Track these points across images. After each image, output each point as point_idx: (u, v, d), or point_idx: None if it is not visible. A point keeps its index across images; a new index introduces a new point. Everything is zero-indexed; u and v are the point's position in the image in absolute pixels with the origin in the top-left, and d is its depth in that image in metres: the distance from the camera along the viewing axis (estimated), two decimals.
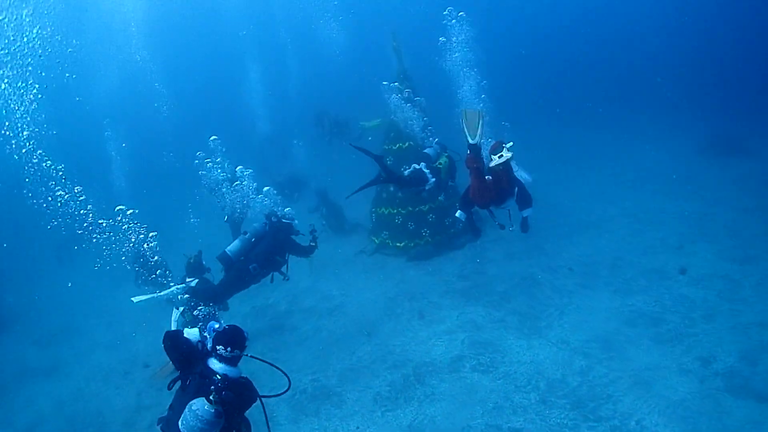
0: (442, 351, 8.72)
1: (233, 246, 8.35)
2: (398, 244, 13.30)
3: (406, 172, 9.43)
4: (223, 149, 10.70)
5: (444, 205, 13.02)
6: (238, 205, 10.05)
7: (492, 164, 7.52)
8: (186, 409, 3.96)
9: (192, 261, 9.36)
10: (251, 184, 9.74)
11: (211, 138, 10.80)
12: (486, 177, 7.69)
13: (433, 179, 9.34)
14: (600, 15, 42.21)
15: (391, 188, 13.21)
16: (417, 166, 9.47)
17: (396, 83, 13.54)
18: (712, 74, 28.90)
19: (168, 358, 7.84)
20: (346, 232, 16.04)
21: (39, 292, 17.33)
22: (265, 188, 9.36)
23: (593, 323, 8.80)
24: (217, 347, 4.27)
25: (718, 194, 13.52)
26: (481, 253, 12.51)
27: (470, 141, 7.54)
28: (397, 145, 13.51)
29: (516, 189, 7.97)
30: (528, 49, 39.22)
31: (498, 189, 7.79)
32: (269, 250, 8.41)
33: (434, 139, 10.86)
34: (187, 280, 9.14)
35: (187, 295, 8.39)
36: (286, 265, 8.65)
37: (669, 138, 19.89)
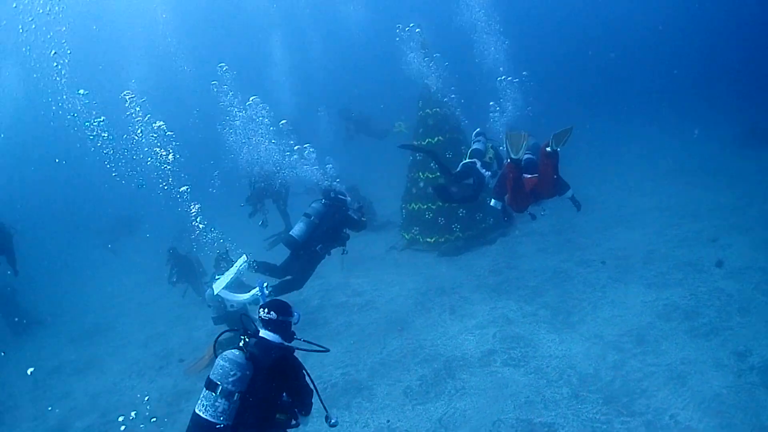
0: (473, 345, 8.73)
1: (298, 229, 8.46)
2: (429, 240, 13.34)
3: (458, 169, 9.57)
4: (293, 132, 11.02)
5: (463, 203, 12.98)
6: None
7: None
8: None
9: (221, 255, 9.55)
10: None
11: (281, 122, 11.11)
12: (529, 176, 8.17)
13: (488, 173, 9.42)
14: (630, 6, 41.50)
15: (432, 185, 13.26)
16: (469, 162, 9.54)
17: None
18: (741, 65, 28.23)
19: (204, 353, 8.07)
20: (376, 228, 16.14)
21: (76, 291, 17.88)
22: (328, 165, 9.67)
23: (626, 317, 8.71)
24: (260, 312, 4.47)
25: (753, 185, 13.26)
26: (513, 248, 12.48)
27: (513, 156, 7.87)
28: (427, 141, 13.53)
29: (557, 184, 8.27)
30: (558, 43, 38.88)
31: (538, 190, 8.20)
32: (332, 228, 8.56)
33: (475, 132, 10.86)
34: (217, 277, 9.33)
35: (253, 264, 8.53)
36: (347, 240, 8.85)
37: (701, 130, 19.50)
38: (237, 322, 9.32)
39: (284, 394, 4.39)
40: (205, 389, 4.12)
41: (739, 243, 10.51)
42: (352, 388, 8.39)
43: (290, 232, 8.53)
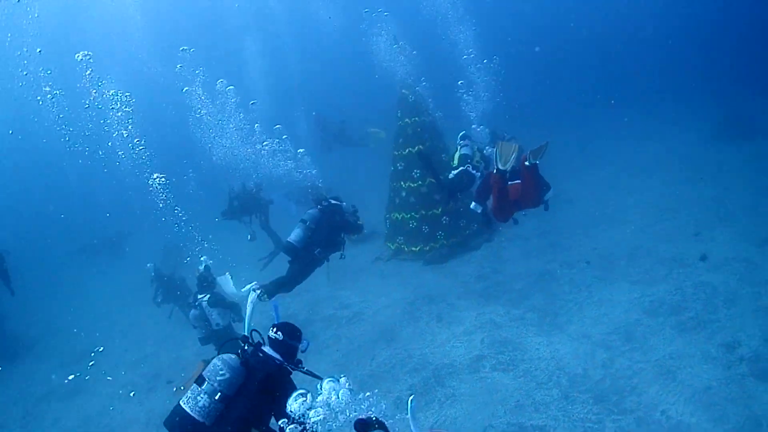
0: (461, 352, 8.66)
1: (295, 235, 8.42)
2: (414, 249, 13.28)
3: (450, 176, 9.78)
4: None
5: (457, 207, 12.98)
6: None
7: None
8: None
9: (201, 274, 9.45)
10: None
11: (276, 126, 11.06)
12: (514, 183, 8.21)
13: (478, 173, 9.59)
14: (607, 3, 42.00)
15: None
16: (460, 171, 9.71)
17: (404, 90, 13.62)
18: (718, 57, 28.58)
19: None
20: (361, 239, 16.04)
21: (65, 312, 17.66)
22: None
23: (613, 315, 8.69)
24: (270, 331, 4.45)
25: (734, 177, 13.33)
26: (498, 253, 12.46)
27: (500, 166, 7.96)
28: (407, 150, 13.50)
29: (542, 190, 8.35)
30: (537, 43, 39.15)
31: (520, 199, 8.26)
32: (330, 233, 8.56)
33: (460, 135, 10.95)
34: (199, 296, 9.21)
35: (259, 290, 8.40)
36: (344, 244, 8.85)
37: (680, 125, 19.68)
38: (222, 340, 9.32)
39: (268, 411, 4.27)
40: (194, 383, 4.09)
41: (722, 235, 10.55)
42: None
43: (288, 239, 8.48)
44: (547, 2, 43.37)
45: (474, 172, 9.61)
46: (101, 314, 16.78)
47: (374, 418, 3.22)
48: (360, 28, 13.39)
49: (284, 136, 10.49)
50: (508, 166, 8.02)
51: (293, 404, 3.74)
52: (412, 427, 3.34)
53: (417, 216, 13.26)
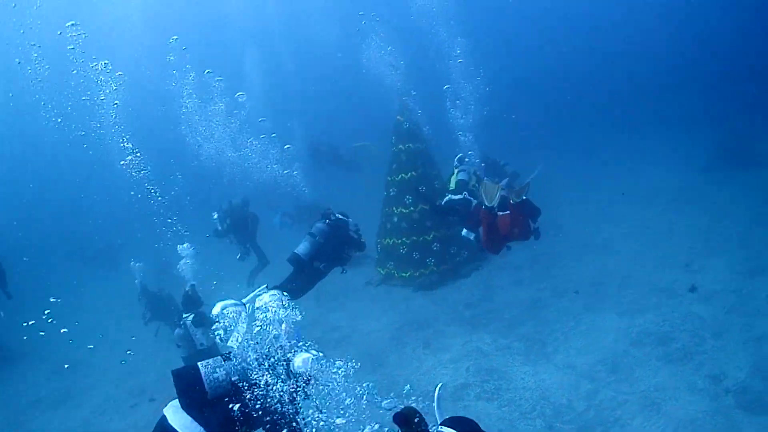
0: (446, 379, 8.55)
1: (302, 247, 8.35)
2: (404, 275, 13.20)
3: (446, 200, 10.00)
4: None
5: (448, 234, 12.95)
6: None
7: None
8: None
9: (188, 293, 9.38)
10: None
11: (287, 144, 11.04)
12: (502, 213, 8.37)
13: (475, 201, 9.69)
14: (600, 32, 42.47)
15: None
16: (453, 197, 9.93)
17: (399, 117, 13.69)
18: (712, 87, 28.79)
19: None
20: (353, 263, 15.94)
21: (54, 323, 17.50)
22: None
23: (600, 346, 8.60)
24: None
25: (726, 207, 13.29)
26: (488, 280, 12.38)
27: (487, 204, 8.20)
28: (399, 176, 13.51)
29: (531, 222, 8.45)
30: (530, 72, 39.55)
31: (512, 236, 8.42)
32: (336, 248, 8.50)
33: (457, 158, 11.09)
34: (184, 316, 9.13)
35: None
36: (349, 260, 8.81)
37: (674, 154, 19.73)
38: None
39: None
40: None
41: (713, 266, 10.50)
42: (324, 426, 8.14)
43: (295, 250, 8.39)
44: (544, 30, 43.88)
45: (471, 198, 9.73)
46: (90, 326, 16.64)
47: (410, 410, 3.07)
48: (355, 41, 13.49)
49: (273, 134, 10.42)
50: (495, 203, 8.19)
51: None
52: (436, 415, 3.32)
53: (408, 242, 13.21)
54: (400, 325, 11.03)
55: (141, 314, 13.59)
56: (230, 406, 3.73)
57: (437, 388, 3.38)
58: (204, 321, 9.09)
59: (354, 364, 3.85)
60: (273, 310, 4.41)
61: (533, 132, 28.95)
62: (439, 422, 3.10)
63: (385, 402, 3.86)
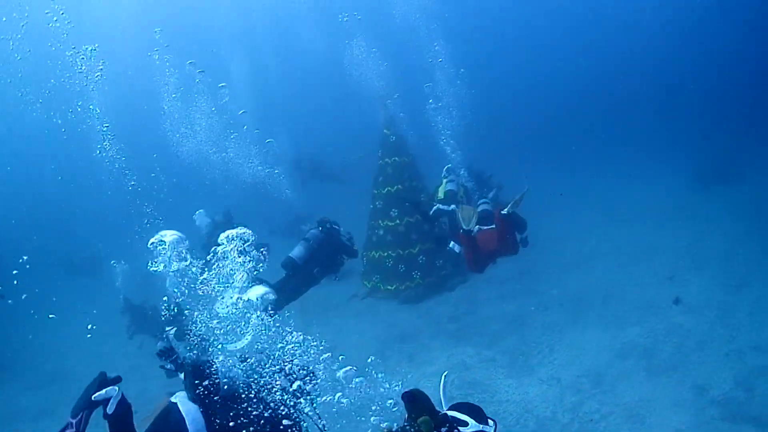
0: (430, 392, 8.41)
1: (297, 251, 8.32)
2: (389, 287, 13.13)
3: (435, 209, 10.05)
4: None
5: (433, 247, 12.91)
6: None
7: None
8: None
9: (171, 315, 9.22)
10: None
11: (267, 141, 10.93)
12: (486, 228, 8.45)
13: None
14: (591, 49, 42.97)
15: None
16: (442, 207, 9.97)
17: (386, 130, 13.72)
18: (697, 105, 29.17)
19: (156, 405, 7.65)
20: (338, 278, 15.85)
21: (35, 337, 17.26)
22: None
23: (584, 358, 8.57)
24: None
25: (710, 223, 13.35)
26: (472, 294, 12.34)
27: (464, 227, 8.38)
28: (386, 189, 13.50)
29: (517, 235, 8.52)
30: (517, 88, 39.90)
31: (497, 253, 8.54)
32: (330, 254, 8.54)
33: (445, 168, 11.21)
34: (167, 329, 8.98)
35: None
36: (342, 266, 8.90)
37: (659, 171, 19.86)
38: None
39: None
40: None
41: (696, 280, 10.53)
42: None
43: (290, 254, 8.36)
44: (535, 46, 44.36)
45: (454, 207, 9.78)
46: (72, 340, 16.42)
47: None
48: (339, 44, 13.51)
49: (256, 130, 10.33)
50: (472, 226, 8.36)
51: None
52: (442, 401, 3.36)
53: (394, 255, 13.16)
54: (384, 338, 10.95)
55: (125, 328, 13.39)
56: (236, 405, 3.82)
57: (443, 376, 3.47)
58: (187, 335, 8.95)
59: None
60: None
61: (521, 144, 29.16)
62: (445, 407, 3.17)
63: (342, 371, 4.10)
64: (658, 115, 29.58)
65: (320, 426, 4.15)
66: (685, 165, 19.17)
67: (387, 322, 11.79)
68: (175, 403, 3.92)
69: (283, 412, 3.90)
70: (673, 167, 19.76)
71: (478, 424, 2.96)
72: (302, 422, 4.02)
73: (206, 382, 3.86)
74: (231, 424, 3.71)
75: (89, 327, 13.73)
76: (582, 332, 9.45)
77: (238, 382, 3.92)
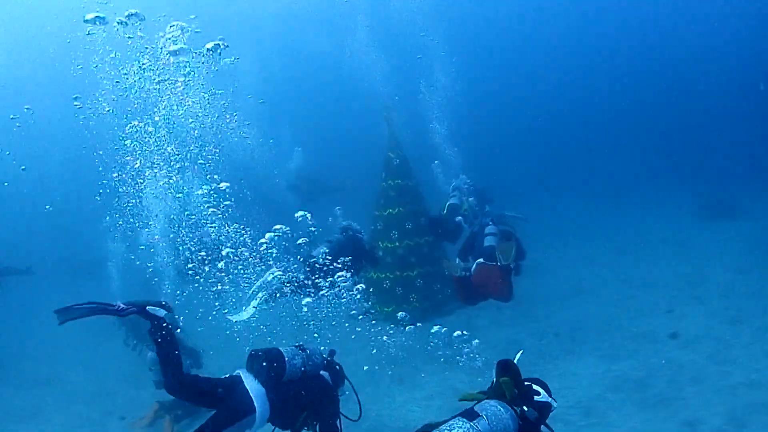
0: (417, 416, 8.40)
1: (320, 250, 8.67)
2: (386, 309, 13.05)
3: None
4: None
5: (432, 271, 12.87)
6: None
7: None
8: None
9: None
10: None
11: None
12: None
13: (466, 226, 10.69)
14: (594, 77, 43.16)
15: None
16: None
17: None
18: (701, 139, 29.14)
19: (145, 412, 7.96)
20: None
21: (31, 336, 17.29)
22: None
23: (576, 389, 8.44)
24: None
25: (711, 256, 13.28)
26: (469, 320, 12.26)
27: (502, 261, 8.81)
28: (387, 211, 13.49)
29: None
30: (520, 118, 40.10)
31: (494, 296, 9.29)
32: (355, 257, 8.83)
33: (452, 186, 11.76)
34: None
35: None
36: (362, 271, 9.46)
37: (661, 204, 19.82)
38: None
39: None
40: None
41: (694, 313, 10.43)
42: None
43: (311, 252, 8.66)
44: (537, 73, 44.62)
45: (464, 223, 10.58)
46: (66, 343, 16.39)
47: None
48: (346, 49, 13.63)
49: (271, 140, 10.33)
50: (510, 261, 8.76)
51: None
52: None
53: (392, 276, 13.11)
54: (377, 359, 10.84)
55: (123, 340, 13.31)
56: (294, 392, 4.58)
57: (519, 353, 3.98)
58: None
59: None
60: None
61: (524, 170, 29.21)
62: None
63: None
64: (663, 146, 29.58)
65: (358, 398, 5.42)
66: (688, 197, 19.13)
67: (381, 344, 11.68)
68: (239, 376, 4.46)
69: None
70: (676, 199, 19.72)
71: (548, 396, 3.66)
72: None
73: (274, 366, 4.45)
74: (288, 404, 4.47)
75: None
76: (576, 362, 9.34)
77: (296, 369, 4.60)
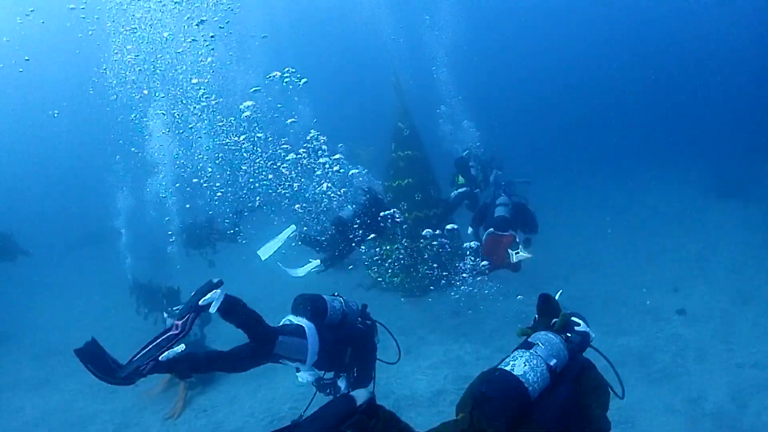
0: (424, 385, 8.50)
1: (345, 212, 9.15)
2: (394, 280, 13.14)
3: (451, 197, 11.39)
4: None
5: (440, 242, 12.90)
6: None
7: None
8: None
9: (172, 287, 9.43)
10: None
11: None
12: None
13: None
14: (602, 62, 42.59)
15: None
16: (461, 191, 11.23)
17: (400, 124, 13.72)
18: (714, 118, 28.80)
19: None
20: (344, 266, 15.87)
21: (44, 307, 17.53)
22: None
23: None
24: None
25: (720, 235, 13.24)
26: (477, 292, 12.32)
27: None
28: (396, 182, 13.48)
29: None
30: (535, 98, 39.65)
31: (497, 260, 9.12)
32: (373, 217, 9.21)
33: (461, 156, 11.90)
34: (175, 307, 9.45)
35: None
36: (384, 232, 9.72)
37: (673, 181, 19.68)
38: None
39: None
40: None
41: (701, 290, 10.48)
42: None
43: (339, 213, 9.13)
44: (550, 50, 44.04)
45: (477, 191, 10.80)
46: (79, 313, 16.62)
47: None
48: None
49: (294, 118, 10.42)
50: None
51: None
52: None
53: (401, 248, 13.15)
54: (383, 330, 10.96)
55: (135, 309, 13.44)
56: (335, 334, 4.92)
57: (558, 292, 4.22)
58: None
59: None
60: None
61: (537, 144, 29.06)
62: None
63: None
64: (677, 124, 29.27)
65: (396, 342, 5.82)
66: (700, 175, 19.00)
67: (388, 314, 11.78)
68: (290, 321, 4.85)
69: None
70: (688, 177, 19.59)
71: (587, 327, 3.88)
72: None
73: (317, 307, 4.86)
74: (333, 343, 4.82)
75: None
76: None
77: (336, 312, 4.99)
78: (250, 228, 12.39)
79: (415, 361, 9.41)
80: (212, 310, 4.24)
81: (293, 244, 9.33)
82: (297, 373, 4.95)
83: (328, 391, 5.20)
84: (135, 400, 9.81)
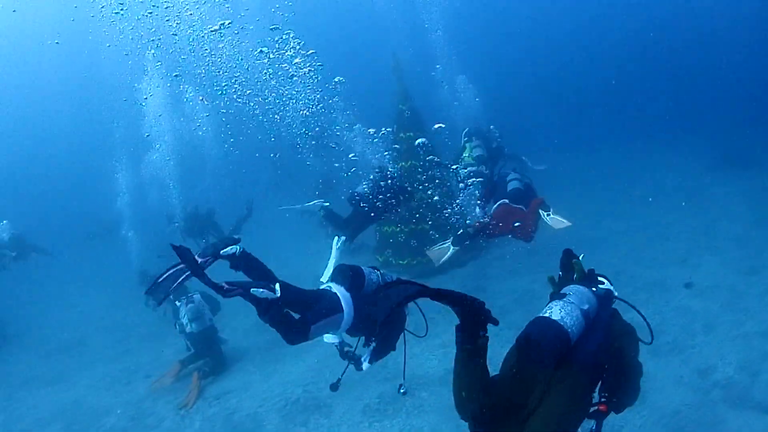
0: (434, 364, 8.59)
1: (361, 188, 9.32)
2: (401, 262, 13.20)
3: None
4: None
5: (447, 222, 12.93)
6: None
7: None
8: None
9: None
10: None
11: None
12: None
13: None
14: (609, 34, 42.30)
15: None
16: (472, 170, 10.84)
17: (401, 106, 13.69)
18: (721, 89, 28.62)
19: (168, 370, 8.25)
20: (351, 251, 15.94)
21: (54, 304, 17.68)
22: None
23: None
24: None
25: (727, 207, 13.22)
26: (483, 270, 12.40)
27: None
28: (400, 164, 13.48)
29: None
30: (540, 70, 39.39)
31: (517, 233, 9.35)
32: (388, 193, 9.39)
33: (465, 131, 11.81)
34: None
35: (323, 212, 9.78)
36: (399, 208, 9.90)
37: (679, 154, 19.63)
38: (203, 344, 9.74)
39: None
40: None
41: (709, 262, 10.48)
42: (311, 405, 8.30)
43: (355, 189, 9.35)
44: (551, 30, 43.74)
45: (486, 171, 10.63)
46: (88, 308, 16.74)
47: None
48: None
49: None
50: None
51: None
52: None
53: (406, 230, 13.20)
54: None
55: (145, 302, 13.56)
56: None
57: (581, 256, 4.63)
58: (211, 298, 10.21)
59: None
60: None
61: (541, 122, 28.95)
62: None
63: None
64: (679, 98, 29.09)
65: (424, 316, 6.01)
66: (704, 148, 18.93)
67: None
68: (329, 287, 5.18)
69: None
70: (693, 149, 19.53)
71: (611, 285, 4.26)
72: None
73: (356, 277, 5.16)
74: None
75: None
76: None
77: (373, 283, 5.24)
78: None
79: (424, 341, 9.43)
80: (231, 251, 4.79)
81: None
82: (325, 334, 5.28)
83: (348, 356, 5.76)
84: (148, 392, 9.93)
